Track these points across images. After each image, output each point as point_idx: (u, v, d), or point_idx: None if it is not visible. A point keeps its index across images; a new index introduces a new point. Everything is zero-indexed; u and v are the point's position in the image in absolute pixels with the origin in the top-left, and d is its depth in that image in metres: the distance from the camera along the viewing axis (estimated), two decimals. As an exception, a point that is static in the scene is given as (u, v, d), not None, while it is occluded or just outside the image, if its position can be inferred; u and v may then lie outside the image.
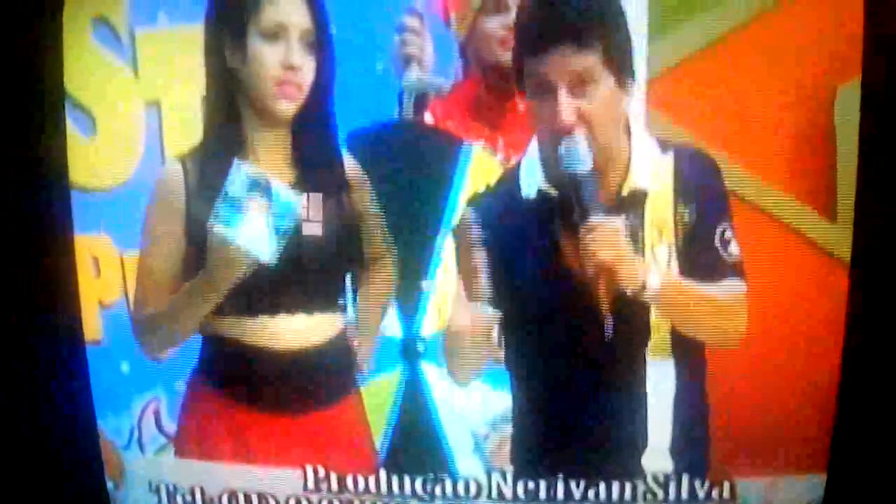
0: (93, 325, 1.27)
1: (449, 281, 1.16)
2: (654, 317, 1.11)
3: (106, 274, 1.26)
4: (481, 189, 1.15)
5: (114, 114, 1.21)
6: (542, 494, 1.19)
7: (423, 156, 1.17)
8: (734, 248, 1.09)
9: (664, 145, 1.10)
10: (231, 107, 1.15)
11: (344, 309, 1.22)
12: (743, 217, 1.09)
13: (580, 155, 1.04)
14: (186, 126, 1.18)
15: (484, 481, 1.22)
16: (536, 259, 1.13)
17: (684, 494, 1.17)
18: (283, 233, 1.10)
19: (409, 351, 1.22)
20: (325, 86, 1.14)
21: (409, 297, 1.21)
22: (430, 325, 1.20)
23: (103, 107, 1.22)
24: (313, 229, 1.15)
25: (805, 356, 1.12)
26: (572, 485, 1.18)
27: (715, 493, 1.17)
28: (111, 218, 1.24)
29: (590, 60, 1.02)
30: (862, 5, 1.03)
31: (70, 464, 1.33)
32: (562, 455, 1.18)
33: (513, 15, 1.11)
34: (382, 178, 1.17)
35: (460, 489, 1.22)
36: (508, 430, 1.20)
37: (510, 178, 1.14)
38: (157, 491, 1.30)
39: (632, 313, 1.10)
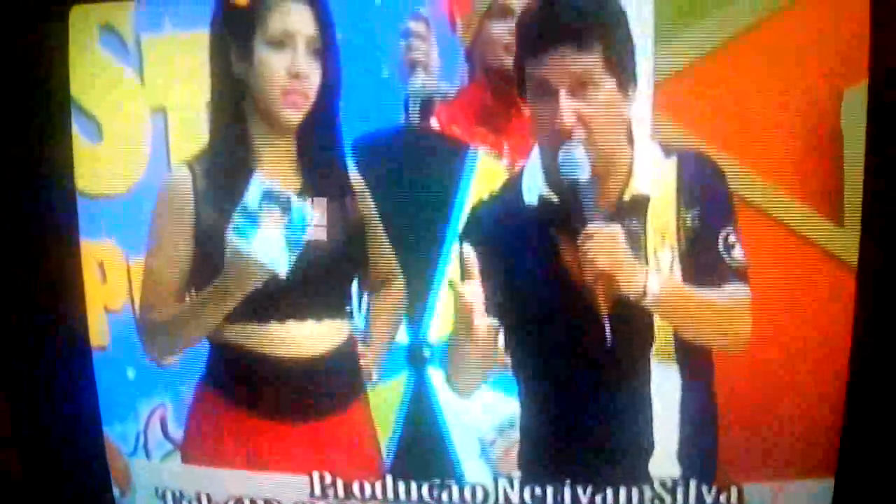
0: (99, 332, 1.28)
1: (454, 287, 1.16)
2: (657, 322, 1.11)
3: (112, 280, 1.26)
4: (486, 195, 1.15)
5: (120, 120, 1.22)
6: (550, 500, 1.19)
7: (429, 161, 1.17)
8: (738, 253, 1.08)
9: (668, 150, 1.10)
10: (237, 113, 1.15)
11: (352, 315, 1.22)
12: (749, 222, 1.09)
13: (579, 161, 1.04)
14: (192, 132, 1.19)
15: (491, 487, 1.21)
16: (539, 265, 1.13)
17: (692, 500, 1.17)
18: (299, 244, 1.11)
19: (416, 356, 1.22)
20: (331, 93, 1.14)
21: (415, 302, 1.20)
22: (436, 330, 1.20)
23: (109, 113, 1.22)
24: (318, 235, 1.15)
25: (813, 361, 1.12)
26: (579, 490, 1.18)
27: (722, 499, 1.17)
28: (117, 224, 1.24)
29: (590, 62, 1.02)
30: (868, 8, 1.03)
31: (76, 470, 1.33)
32: (569, 461, 1.18)
33: (518, 19, 1.11)
34: (388, 184, 1.17)
35: (467, 495, 1.22)
36: (515, 435, 1.19)
37: (513, 184, 1.14)
38: (163, 497, 1.30)
39: (634, 319, 1.09)
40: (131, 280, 1.24)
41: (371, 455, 1.23)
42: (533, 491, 1.20)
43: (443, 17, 1.16)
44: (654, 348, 1.12)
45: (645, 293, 1.06)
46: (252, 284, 1.13)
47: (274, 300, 1.16)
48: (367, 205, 1.18)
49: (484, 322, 1.10)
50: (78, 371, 1.28)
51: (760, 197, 1.09)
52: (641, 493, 1.17)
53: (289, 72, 1.11)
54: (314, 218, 1.13)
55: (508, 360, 1.17)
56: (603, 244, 1.04)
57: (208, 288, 1.15)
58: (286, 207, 1.10)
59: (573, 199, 1.05)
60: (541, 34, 1.04)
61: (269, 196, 1.10)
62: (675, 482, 1.16)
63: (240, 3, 1.12)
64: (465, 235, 1.15)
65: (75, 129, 1.23)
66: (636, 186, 1.09)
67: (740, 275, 1.09)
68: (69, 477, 1.33)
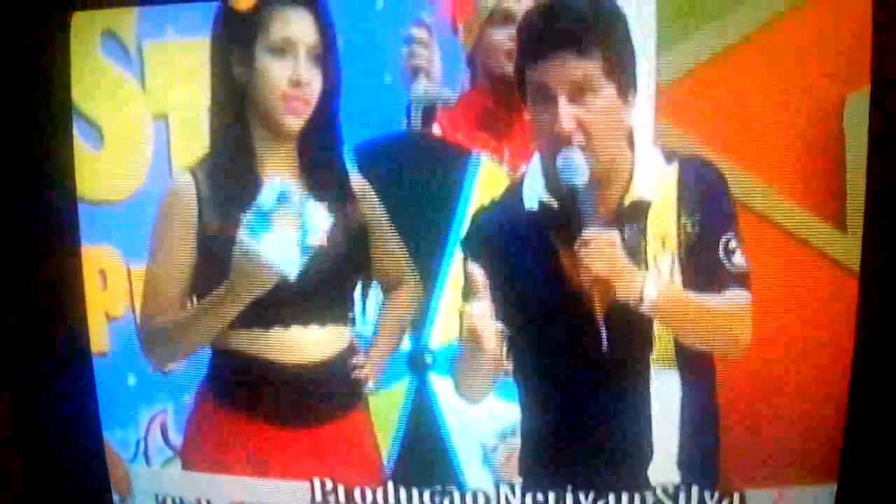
0: (99, 338, 1.28)
1: (457, 293, 1.16)
2: (656, 327, 1.10)
3: (113, 286, 1.26)
4: (487, 201, 1.16)
5: (121, 127, 1.22)
6: (551, 507, 1.19)
7: (432, 167, 1.17)
8: (738, 259, 1.08)
9: (669, 156, 1.10)
10: (239, 120, 1.16)
11: (354, 321, 1.22)
12: (752, 226, 1.09)
13: (578, 166, 1.04)
14: (194, 139, 1.19)
15: (492, 493, 1.21)
16: (540, 271, 1.12)
17: (694, 505, 1.17)
18: (310, 247, 1.11)
19: (417, 363, 1.21)
20: (332, 99, 1.14)
21: (417, 308, 1.21)
22: (438, 337, 1.20)
23: (111, 120, 1.22)
24: (323, 240, 1.14)
25: (815, 367, 1.12)
26: (581, 496, 1.17)
27: (724, 504, 1.17)
28: (118, 230, 1.24)
29: (590, 68, 1.02)
30: (870, 13, 1.03)
31: (76, 476, 1.32)
32: (570, 467, 1.17)
33: (520, 25, 1.11)
34: (390, 190, 1.17)
35: (469, 501, 1.22)
36: (517, 441, 1.19)
37: (515, 190, 1.14)
38: (164, 504, 1.30)
39: (633, 324, 1.09)
40: (132, 286, 1.24)
41: (372, 461, 1.23)
42: (535, 497, 1.19)
43: (445, 23, 1.16)
44: (654, 354, 1.12)
45: (642, 299, 1.06)
46: (260, 288, 1.13)
47: (278, 305, 1.16)
48: (372, 209, 1.18)
49: (493, 328, 1.10)
50: (78, 377, 1.28)
51: (763, 202, 1.09)
52: (643, 499, 1.16)
53: (290, 79, 1.12)
54: (319, 223, 1.14)
55: (510, 366, 1.16)
56: (599, 250, 1.04)
57: (212, 293, 1.15)
58: (300, 211, 1.10)
59: (572, 205, 1.06)
60: (541, 39, 1.04)
61: (284, 198, 1.10)
62: (676, 488, 1.16)
63: (241, 10, 1.13)
64: (467, 242, 1.15)
65: (77, 136, 1.23)
66: (637, 192, 1.09)
67: (741, 281, 1.09)
68: (69, 483, 1.32)
